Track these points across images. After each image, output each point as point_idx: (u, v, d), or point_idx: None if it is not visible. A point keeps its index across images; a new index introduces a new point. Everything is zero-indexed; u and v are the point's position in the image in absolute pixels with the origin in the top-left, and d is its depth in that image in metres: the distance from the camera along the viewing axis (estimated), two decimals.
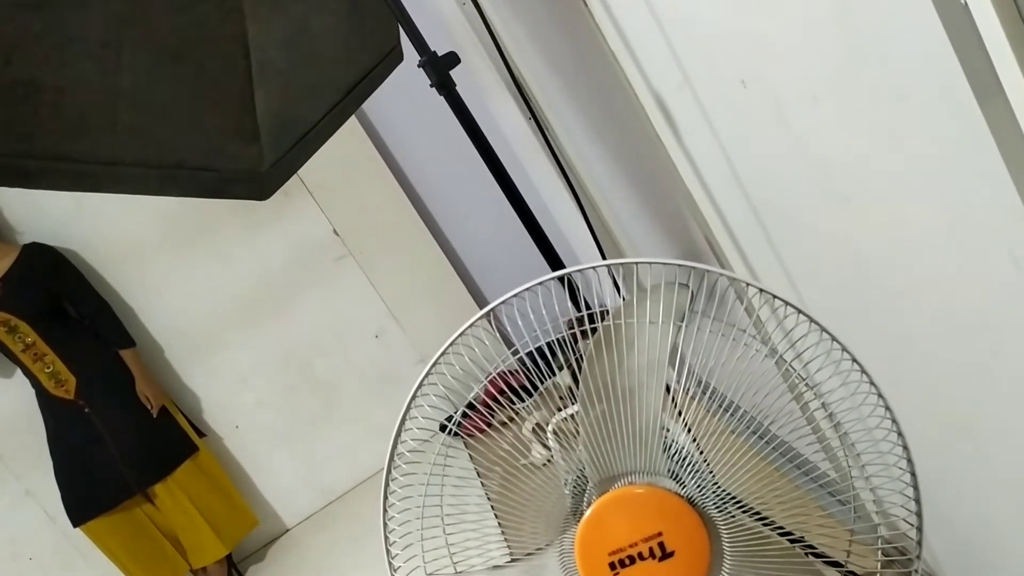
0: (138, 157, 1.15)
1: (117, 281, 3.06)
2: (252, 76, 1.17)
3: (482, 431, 3.45)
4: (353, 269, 3.22)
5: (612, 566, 0.84)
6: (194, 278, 3.11)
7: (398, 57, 1.49)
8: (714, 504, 0.83)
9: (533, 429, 3.29)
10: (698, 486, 0.83)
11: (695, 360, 0.84)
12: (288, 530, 3.34)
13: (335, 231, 3.19)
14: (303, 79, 1.28)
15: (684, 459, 0.85)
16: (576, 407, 0.96)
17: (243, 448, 3.26)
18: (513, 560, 0.99)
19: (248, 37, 1.15)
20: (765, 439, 0.86)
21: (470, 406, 3.61)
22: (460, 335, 1.41)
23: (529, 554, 0.97)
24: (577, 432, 0.98)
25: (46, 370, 2.84)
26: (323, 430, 3.30)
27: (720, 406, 0.87)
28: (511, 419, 3.57)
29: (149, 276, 3.08)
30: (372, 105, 3.09)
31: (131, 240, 3.05)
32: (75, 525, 2.91)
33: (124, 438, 2.88)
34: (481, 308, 3.47)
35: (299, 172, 3.05)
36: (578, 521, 0.90)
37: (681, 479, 0.85)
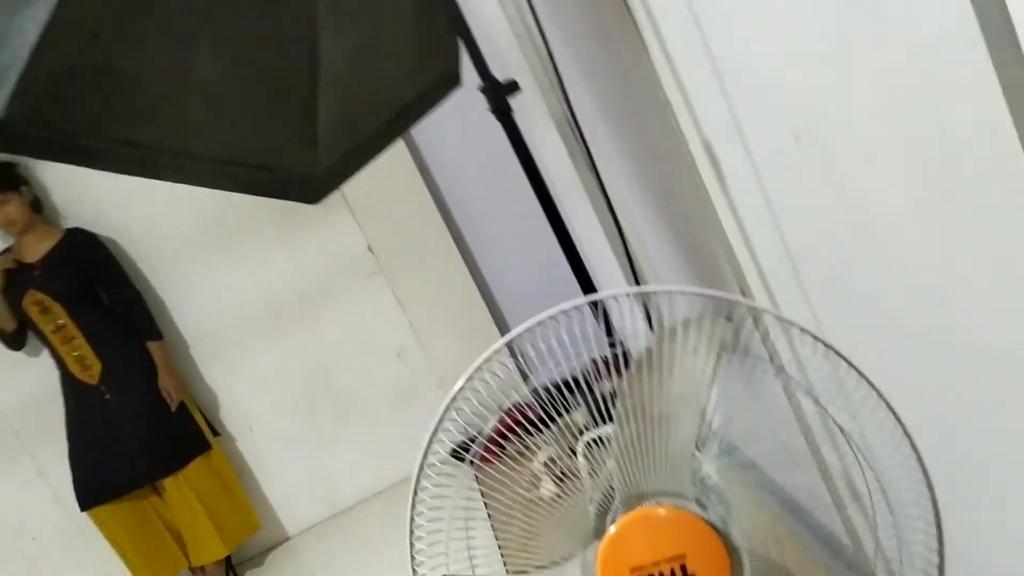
0: (200, 150, 1.19)
1: (152, 274, 3.12)
2: (318, 84, 1.21)
3: (490, 461, 3.44)
4: (382, 286, 3.26)
5: None
6: (227, 278, 3.16)
7: (455, 82, 1.53)
8: (738, 533, 0.83)
9: (544, 463, 3.29)
10: (722, 515, 0.84)
11: (730, 394, 0.85)
12: (289, 538, 3.34)
13: (369, 247, 3.23)
14: (364, 93, 1.31)
15: (711, 487, 0.86)
16: (611, 425, 0.97)
17: (254, 451, 3.28)
18: (536, 568, 1.00)
19: (319, 46, 1.19)
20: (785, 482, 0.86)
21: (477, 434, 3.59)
22: (484, 361, 1.42)
23: (553, 563, 0.98)
24: (606, 449, 0.99)
25: (73, 353, 2.89)
26: (335, 442, 3.31)
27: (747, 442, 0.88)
28: (521, 453, 3.56)
29: (183, 272, 3.13)
30: (419, 126, 3.14)
31: (170, 235, 3.11)
32: (83, 509, 2.94)
33: (141, 428, 2.91)
34: (504, 330, 3.47)
35: (342, 189, 3.12)
36: (602, 535, 0.91)
37: (707, 506, 0.85)
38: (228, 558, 3.14)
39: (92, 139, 1.11)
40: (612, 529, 0.90)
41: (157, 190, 3.05)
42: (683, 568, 0.82)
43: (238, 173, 1.23)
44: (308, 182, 1.28)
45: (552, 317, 1.21)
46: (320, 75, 1.21)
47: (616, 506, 0.93)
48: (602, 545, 0.89)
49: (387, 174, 3.15)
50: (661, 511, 0.86)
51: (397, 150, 3.15)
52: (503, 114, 1.19)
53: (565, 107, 1.30)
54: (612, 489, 0.98)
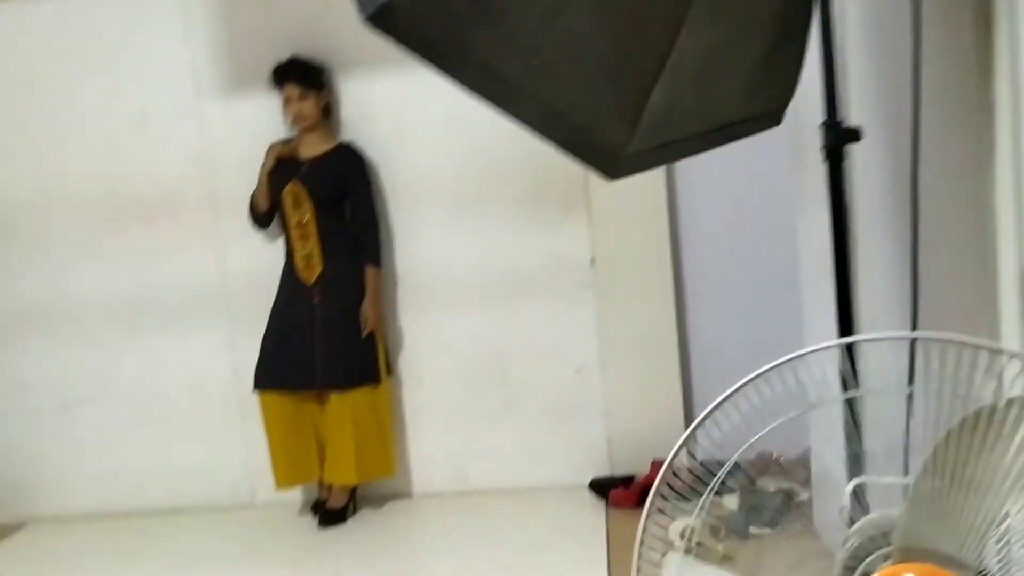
0: (539, 93, 1.24)
1: (394, 208, 3.29)
2: (663, 70, 1.23)
3: (627, 505, 3.35)
4: (589, 301, 3.28)
5: None
6: (454, 239, 3.29)
7: (777, 120, 1.52)
8: None
9: (681, 533, 3.16)
10: None
11: None
12: (412, 496, 3.42)
13: (592, 260, 3.26)
14: (696, 96, 1.32)
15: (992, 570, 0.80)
16: (909, 477, 0.92)
17: (415, 404, 3.38)
18: None
19: (679, 36, 1.21)
20: None
21: (627, 480, 3.52)
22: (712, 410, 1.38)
23: None
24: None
25: (304, 251, 3.10)
26: (488, 426, 3.36)
27: None
28: (661, 510, 3.43)
29: (421, 217, 3.29)
30: (688, 160, 3.14)
31: (424, 181, 3.27)
32: (255, 388, 3.14)
33: (331, 339, 3.08)
34: (687, 400, 3.39)
35: (588, 195, 3.17)
36: (860, 574, 0.86)
37: None
38: (354, 488, 3.26)
39: (452, 49, 1.18)
40: (877, 572, 0.85)
41: (432, 140, 3.24)
42: None
43: (560, 128, 1.27)
44: (614, 158, 1.30)
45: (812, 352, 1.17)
46: (668, 64, 1.23)
47: (888, 552, 0.87)
48: None
49: (637, 197, 3.18)
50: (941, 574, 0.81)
51: (656, 179, 3.17)
52: (835, 158, 1.16)
53: (911, 166, 1.25)
54: (883, 536, 0.93)
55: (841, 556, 0.94)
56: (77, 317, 3.43)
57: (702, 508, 1.41)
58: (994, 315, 1.34)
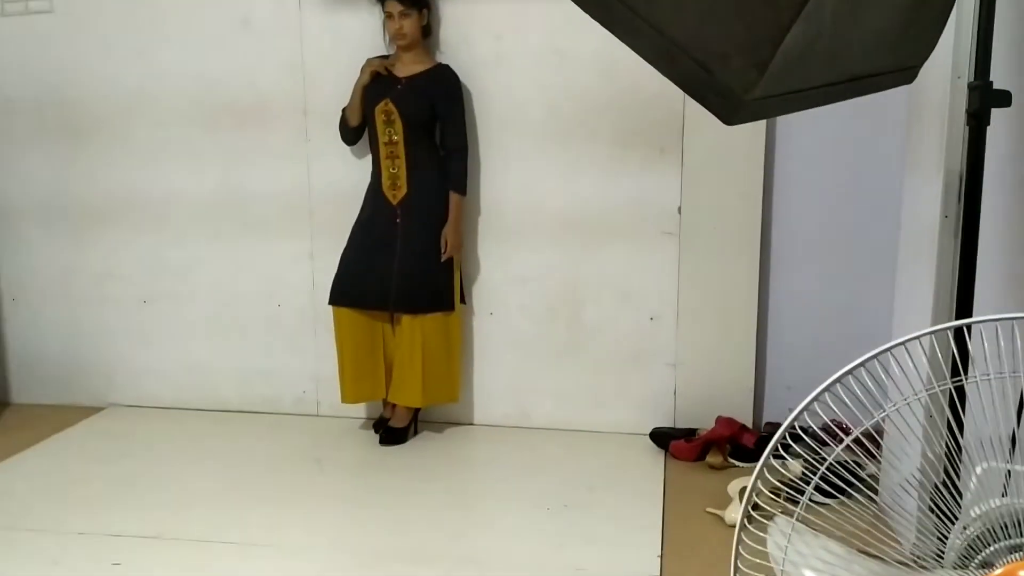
0: (662, 23, 1.18)
1: (484, 136, 3.25)
2: (801, 14, 1.15)
3: (687, 458, 3.33)
4: (671, 249, 3.21)
5: None
6: (542, 174, 3.24)
7: (910, 78, 1.42)
8: None
9: (740, 490, 3.12)
10: None
11: None
12: (472, 424, 3.45)
13: (679, 208, 3.18)
14: (832, 44, 1.24)
15: None
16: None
17: (484, 334, 3.39)
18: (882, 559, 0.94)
19: None
20: None
21: (689, 433, 3.49)
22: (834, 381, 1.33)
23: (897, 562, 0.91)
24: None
25: (391, 170, 3.10)
26: (555, 365, 3.35)
27: None
28: (723, 467, 3.40)
29: (509, 149, 3.24)
30: (793, 120, 3.02)
31: (515, 111, 3.21)
32: (330, 302, 3.18)
33: (409, 261, 3.09)
34: (759, 361, 3.33)
35: (683, 140, 3.08)
36: (975, 566, 0.83)
37: None
38: (417, 411, 3.30)
39: None
40: (1003, 568, 0.81)
41: (528, 70, 3.17)
42: None
43: (681, 62, 1.20)
44: (735, 101, 1.23)
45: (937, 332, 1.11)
46: (808, 4, 1.15)
47: (1018, 544, 0.83)
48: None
49: (733, 148, 3.08)
50: None
51: (755, 131, 3.05)
52: (978, 120, 1.08)
53: None
54: (1003, 528, 0.88)
55: (962, 541, 0.90)
56: (164, 214, 3.50)
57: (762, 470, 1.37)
58: None
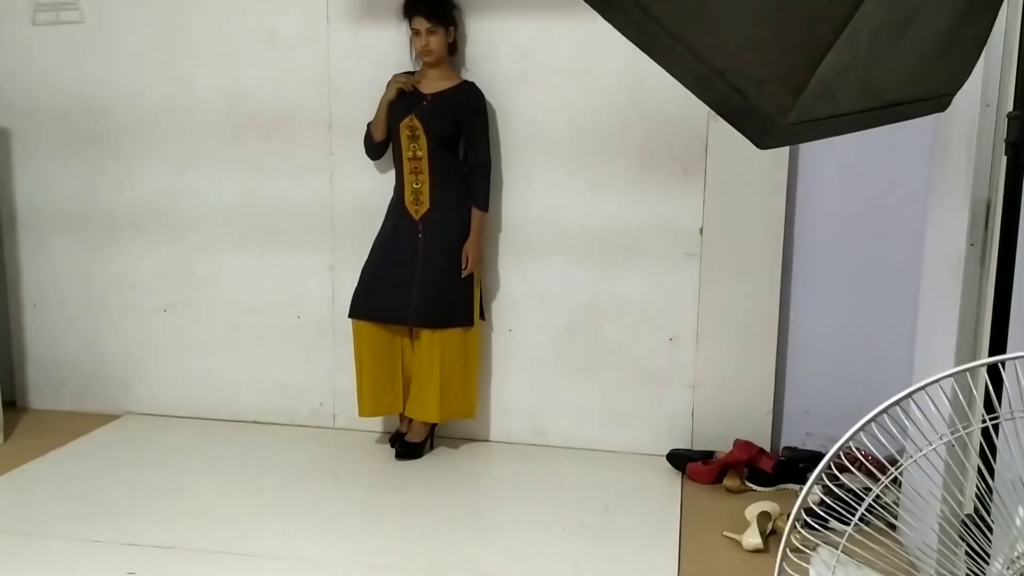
0: (698, 47, 1.18)
1: (507, 153, 3.26)
2: (840, 37, 1.15)
3: (704, 481, 3.30)
4: (692, 270, 3.20)
5: None
6: (565, 189, 3.24)
7: (943, 106, 1.42)
8: None
9: (759, 514, 3.09)
10: None
11: None
12: (488, 441, 3.44)
13: (701, 230, 3.17)
14: (866, 70, 1.24)
15: None
16: None
17: (502, 350, 3.38)
18: None
19: (863, 4, 1.13)
20: None
21: (707, 455, 3.47)
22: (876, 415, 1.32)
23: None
24: None
25: (415, 184, 3.11)
26: (572, 382, 3.34)
27: None
28: (741, 491, 3.37)
29: (533, 164, 3.25)
30: (816, 143, 3.01)
31: (539, 129, 3.22)
32: (350, 315, 3.19)
33: (430, 276, 3.09)
34: (779, 384, 3.30)
35: (706, 161, 3.08)
36: None
37: None
38: (434, 426, 3.30)
39: None
40: None
41: (553, 88, 3.18)
42: None
43: (717, 86, 1.21)
44: (769, 126, 1.23)
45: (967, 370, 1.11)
46: (846, 30, 1.15)
47: None
48: None
49: (757, 171, 3.07)
50: None
51: (779, 154, 3.05)
52: (1017, 149, 1.08)
53: None
54: None
55: (1017, 569, 0.89)
56: (187, 224, 3.53)
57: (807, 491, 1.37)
58: None
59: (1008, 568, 0.90)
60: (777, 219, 3.11)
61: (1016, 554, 0.90)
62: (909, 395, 1.06)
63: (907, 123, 1.56)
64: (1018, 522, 0.94)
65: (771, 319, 3.17)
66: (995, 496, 1.01)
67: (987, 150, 2.08)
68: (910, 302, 2.90)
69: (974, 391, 1.07)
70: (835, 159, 3.12)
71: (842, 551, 1.10)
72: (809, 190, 3.16)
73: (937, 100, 1.40)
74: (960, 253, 2.14)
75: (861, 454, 3.27)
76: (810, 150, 3.11)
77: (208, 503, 2.82)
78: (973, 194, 2.12)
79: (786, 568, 1.04)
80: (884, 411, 1.07)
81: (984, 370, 1.08)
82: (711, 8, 1.15)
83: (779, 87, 1.22)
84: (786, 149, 3.05)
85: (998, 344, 1.25)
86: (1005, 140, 1.08)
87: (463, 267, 3.10)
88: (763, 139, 1.28)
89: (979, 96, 2.09)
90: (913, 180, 2.99)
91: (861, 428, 1.08)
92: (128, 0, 3.43)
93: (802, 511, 1.08)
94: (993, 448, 1.07)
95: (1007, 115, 1.09)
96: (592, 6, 1.15)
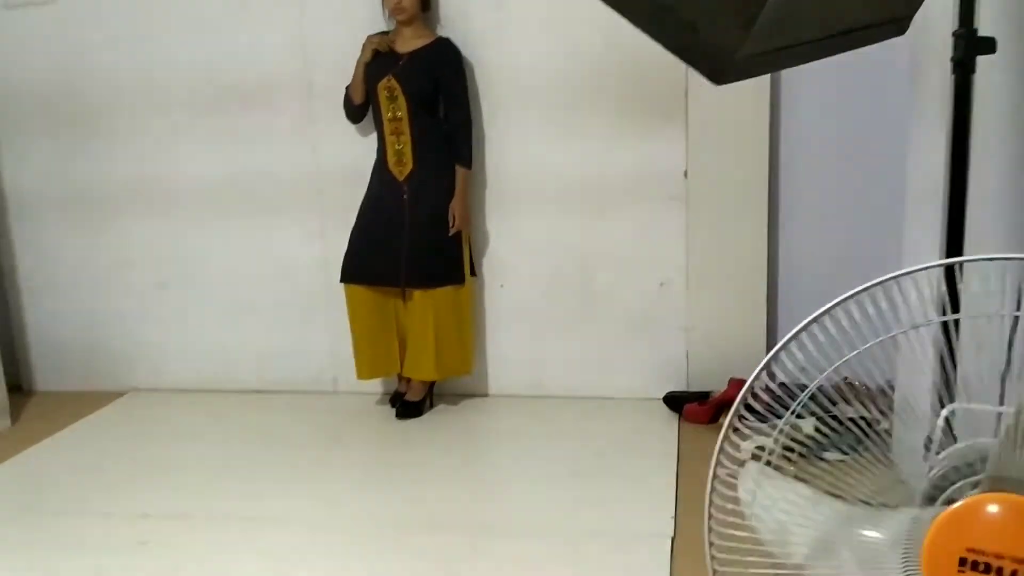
0: None
1: (488, 108, 3.25)
2: None
3: (701, 421, 3.35)
4: (679, 214, 3.21)
5: (963, 561, 0.78)
6: (546, 142, 3.24)
7: (902, 29, 1.41)
8: None
9: (753, 452, 3.16)
10: None
11: None
12: (487, 395, 3.48)
13: (686, 173, 3.17)
14: None
15: None
16: (1005, 407, 0.89)
17: (495, 305, 3.41)
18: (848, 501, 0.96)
19: None
20: None
21: (702, 396, 3.51)
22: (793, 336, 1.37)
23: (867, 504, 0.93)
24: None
25: (396, 146, 3.11)
26: (566, 333, 3.37)
27: None
28: (736, 429, 3.43)
29: (512, 119, 3.24)
30: (795, 72, 3.00)
31: (518, 82, 3.21)
32: (342, 280, 3.21)
33: (418, 236, 3.11)
34: (771, 321, 3.33)
35: (687, 104, 3.07)
36: (934, 502, 0.85)
37: None
38: (432, 384, 3.34)
39: None
40: (965, 501, 0.83)
41: (530, 40, 3.16)
42: None
43: (668, 24, 1.21)
44: (724, 61, 1.24)
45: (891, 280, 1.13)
46: None
47: (975, 481, 0.85)
48: (948, 512, 0.82)
49: (738, 109, 3.06)
50: None
51: (759, 90, 3.04)
52: (963, 69, 1.08)
53: None
54: (969, 465, 0.90)
55: (925, 483, 0.92)
56: (174, 199, 3.54)
57: (780, 430, 1.40)
58: None
59: (926, 477, 0.93)
60: (761, 157, 3.11)
61: (932, 462, 0.94)
62: (818, 317, 1.08)
63: (885, 48, 1.56)
64: (937, 426, 0.97)
65: (760, 257, 3.19)
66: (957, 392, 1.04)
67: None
68: (898, 226, 2.90)
69: (924, 296, 1.09)
70: (816, 93, 3.10)
71: (769, 464, 1.13)
72: (791, 127, 3.15)
73: (896, 23, 1.40)
74: (938, 173, 2.14)
75: (854, 385, 3.31)
76: (790, 86, 3.10)
77: (215, 472, 2.88)
78: (952, 115, 2.12)
79: (717, 487, 1.08)
80: (795, 336, 1.10)
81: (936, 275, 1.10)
82: None
83: (731, 20, 1.22)
84: (766, 84, 3.03)
85: (954, 252, 1.27)
86: (951, 59, 1.08)
87: (451, 225, 3.11)
88: (719, 75, 1.29)
89: (950, 16, 2.08)
90: (893, 107, 2.98)
91: (776, 353, 1.11)
92: None
93: (731, 430, 1.11)
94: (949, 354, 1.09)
95: (952, 33, 1.09)
96: None
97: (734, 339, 3.26)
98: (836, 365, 1.15)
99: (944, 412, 0.98)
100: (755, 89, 3.01)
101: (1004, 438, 0.84)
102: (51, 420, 3.42)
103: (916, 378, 1.38)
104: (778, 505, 1.03)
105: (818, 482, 1.27)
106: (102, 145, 3.55)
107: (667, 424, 3.12)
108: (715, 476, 1.09)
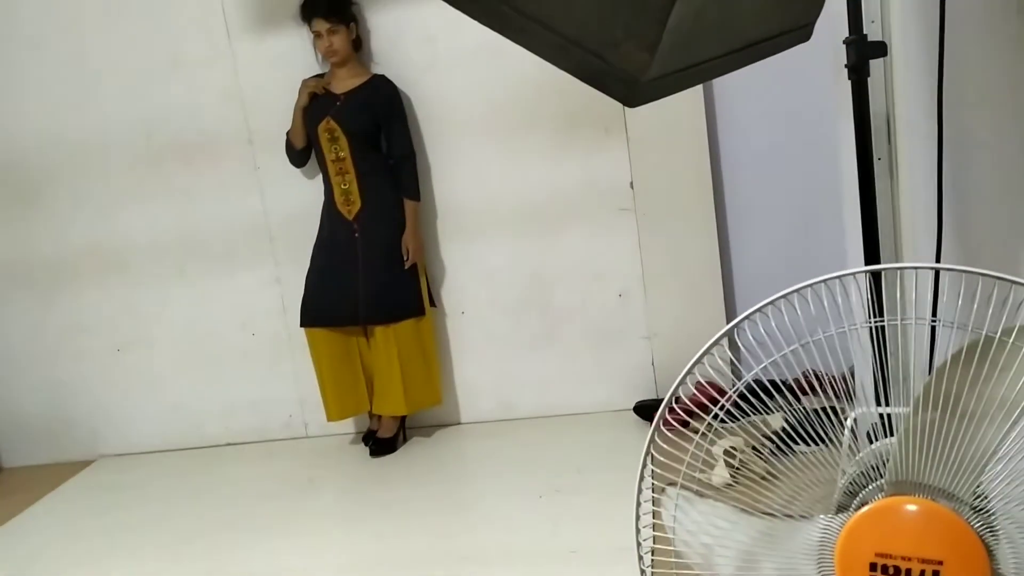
0: (551, 21, 1.20)
1: (430, 139, 3.27)
2: None
3: (672, 430, 3.38)
4: (630, 225, 3.24)
5: (873, 567, 0.80)
6: (492, 168, 3.26)
7: (806, 36, 1.45)
8: (1013, 564, 0.76)
9: (725, 451, 3.17)
10: (999, 538, 0.77)
11: None
12: (459, 423, 3.49)
13: (631, 184, 3.21)
14: (719, 15, 1.27)
15: (992, 506, 0.79)
16: (901, 408, 0.92)
17: (458, 333, 3.42)
18: (766, 513, 0.98)
19: None
20: None
21: (673, 401, 3.52)
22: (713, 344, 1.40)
23: (786, 515, 0.95)
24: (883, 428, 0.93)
25: (342, 186, 3.12)
26: (532, 354, 3.39)
27: None
28: (703, 434, 3.45)
29: (457, 148, 3.27)
30: (726, 80, 3.06)
31: (457, 111, 3.24)
32: (301, 325, 3.21)
33: (374, 273, 3.11)
34: (730, 320, 3.37)
35: (626, 118, 3.11)
36: (847, 509, 0.86)
37: (985, 523, 0.79)
38: (403, 418, 3.34)
39: None
40: (870, 506, 0.85)
41: (464, 69, 3.19)
42: (935, 575, 0.76)
43: (575, 54, 1.23)
44: (633, 85, 1.26)
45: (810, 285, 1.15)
46: None
47: (880, 486, 0.87)
48: (854, 517, 0.84)
49: (675, 118, 3.11)
50: (937, 508, 0.80)
51: (695, 98, 3.09)
52: (858, 73, 1.12)
53: (936, 85, 1.20)
54: (875, 469, 0.93)
55: (839, 487, 0.94)
56: (126, 260, 3.51)
57: (703, 435, 1.41)
58: None
59: (839, 483, 0.95)
60: (702, 162, 3.16)
61: (844, 466, 0.96)
62: (735, 324, 1.11)
63: (808, 51, 1.59)
64: (846, 434, 0.99)
65: (713, 260, 3.23)
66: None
67: (878, 65, 2.12)
68: (839, 222, 2.96)
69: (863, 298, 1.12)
70: (749, 95, 3.16)
71: (683, 488, 1.15)
72: (729, 130, 3.21)
73: (799, 31, 1.43)
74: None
75: (817, 376, 3.36)
76: (724, 91, 3.16)
77: (192, 531, 2.85)
78: (873, 109, 2.17)
79: (642, 502, 1.09)
80: (715, 343, 1.13)
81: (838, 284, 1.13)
82: None
83: (634, 45, 1.25)
84: (700, 92, 3.09)
85: (872, 255, 1.30)
86: (845, 66, 1.12)
87: (405, 259, 3.12)
88: (630, 98, 1.31)
89: (864, 13, 2.13)
90: (824, 103, 3.04)
91: (706, 351, 1.13)
92: (26, 46, 3.39)
93: (653, 441, 1.13)
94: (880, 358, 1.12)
95: (843, 41, 1.13)
96: None
97: (697, 343, 3.24)
98: (753, 372, 1.17)
99: (850, 418, 1.01)
100: (689, 96, 3.06)
101: (901, 440, 0.86)
102: (21, 495, 3.37)
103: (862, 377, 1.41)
104: (703, 528, 1.05)
105: (743, 498, 1.28)
106: (48, 213, 3.52)
107: (640, 434, 3.14)
108: (639, 504, 1.11)
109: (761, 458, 2.79)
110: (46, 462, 3.71)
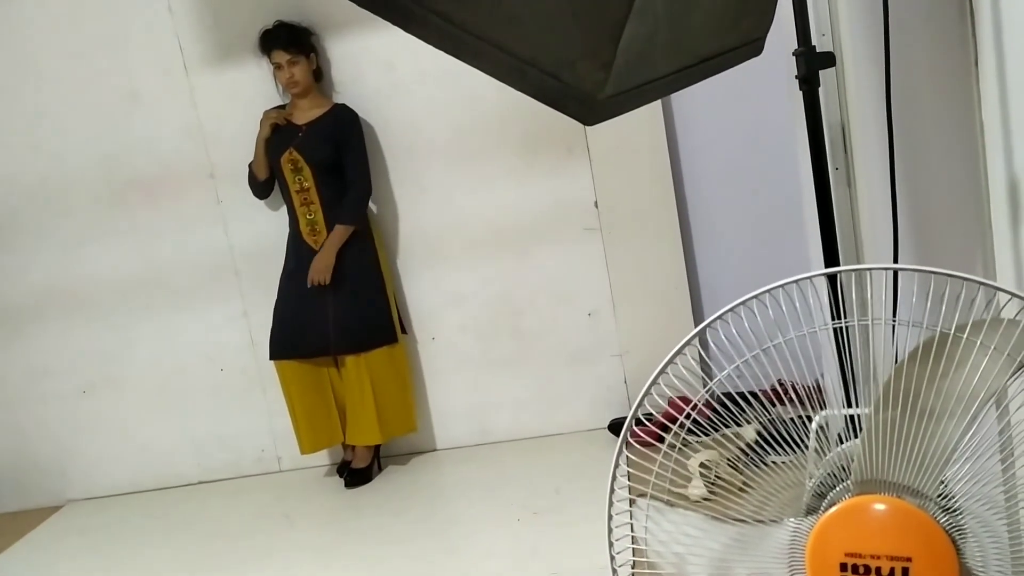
0: (504, 43, 1.21)
1: (394, 166, 3.28)
2: (632, 10, 1.20)
3: (646, 444, 3.39)
4: (596, 244, 3.26)
5: (843, 567, 0.80)
6: (458, 193, 3.27)
7: (757, 50, 1.48)
8: (979, 559, 0.77)
9: (701, 464, 3.18)
10: (965, 533, 0.78)
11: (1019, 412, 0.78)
12: (436, 450, 3.46)
13: (596, 203, 3.23)
14: (671, 32, 1.29)
15: (957, 502, 0.80)
16: (864, 408, 0.92)
17: (430, 359, 3.41)
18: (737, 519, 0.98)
19: None
20: None
21: (647, 416, 3.53)
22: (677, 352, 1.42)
23: (757, 521, 0.95)
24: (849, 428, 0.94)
25: (308, 216, 3.10)
26: (504, 377, 3.38)
27: None
28: (679, 448, 3.46)
29: (422, 172, 3.27)
30: (685, 96, 3.10)
31: (420, 136, 3.25)
32: (271, 358, 3.18)
33: (343, 303, 3.09)
34: (698, 326, 3.38)
35: (587, 137, 3.14)
36: (816, 511, 0.87)
37: (952, 519, 0.79)
38: (378, 447, 3.31)
39: (412, 4, 1.16)
40: (837, 507, 0.86)
41: (426, 94, 3.21)
42: (905, 572, 0.77)
43: (531, 75, 1.24)
44: (590, 103, 1.28)
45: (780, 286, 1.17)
46: (636, 2, 1.19)
47: (847, 486, 0.88)
48: (823, 519, 0.85)
49: (636, 136, 3.14)
50: (905, 506, 0.81)
51: (654, 114, 3.12)
52: (809, 84, 1.14)
53: (884, 92, 1.23)
54: (843, 469, 0.93)
55: (808, 489, 0.95)
56: (89, 300, 3.46)
57: (671, 445, 1.42)
58: (987, 236, 1.32)
59: (808, 481, 0.96)
60: (665, 178, 3.19)
61: (811, 468, 0.97)
62: (701, 329, 1.12)
63: (768, 61, 1.62)
64: (812, 437, 1.00)
65: (680, 274, 3.25)
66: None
67: (831, 76, 2.17)
68: (802, 231, 3.00)
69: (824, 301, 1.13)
70: (709, 110, 3.20)
71: (653, 499, 1.16)
72: (690, 145, 3.25)
73: (750, 45, 1.46)
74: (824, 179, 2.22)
75: (785, 388, 3.39)
76: (683, 107, 3.20)
77: (166, 572, 2.79)
78: (827, 120, 2.21)
79: (613, 515, 1.09)
80: (681, 349, 1.14)
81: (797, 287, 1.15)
82: (507, 5, 1.18)
83: (589, 64, 1.26)
84: (659, 109, 3.12)
85: (831, 259, 1.32)
86: (796, 77, 1.14)
87: (310, 281, 3.04)
88: (588, 116, 1.33)
89: (813, 26, 2.17)
90: (782, 115, 3.09)
91: (664, 368, 1.14)
92: None
93: (623, 455, 1.13)
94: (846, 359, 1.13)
95: (792, 53, 1.15)
96: (392, 23, 1.18)
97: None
98: (723, 373, 1.18)
99: (816, 420, 1.02)
100: (648, 113, 3.10)
101: (864, 440, 0.87)
102: None
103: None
104: (674, 538, 1.05)
105: (715, 506, 1.28)
106: (7, 255, 3.47)
107: (615, 452, 3.14)
108: (611, 517, 1.11)
109: (736, 471, 2.80)
110: (12, 509, 3.62)
